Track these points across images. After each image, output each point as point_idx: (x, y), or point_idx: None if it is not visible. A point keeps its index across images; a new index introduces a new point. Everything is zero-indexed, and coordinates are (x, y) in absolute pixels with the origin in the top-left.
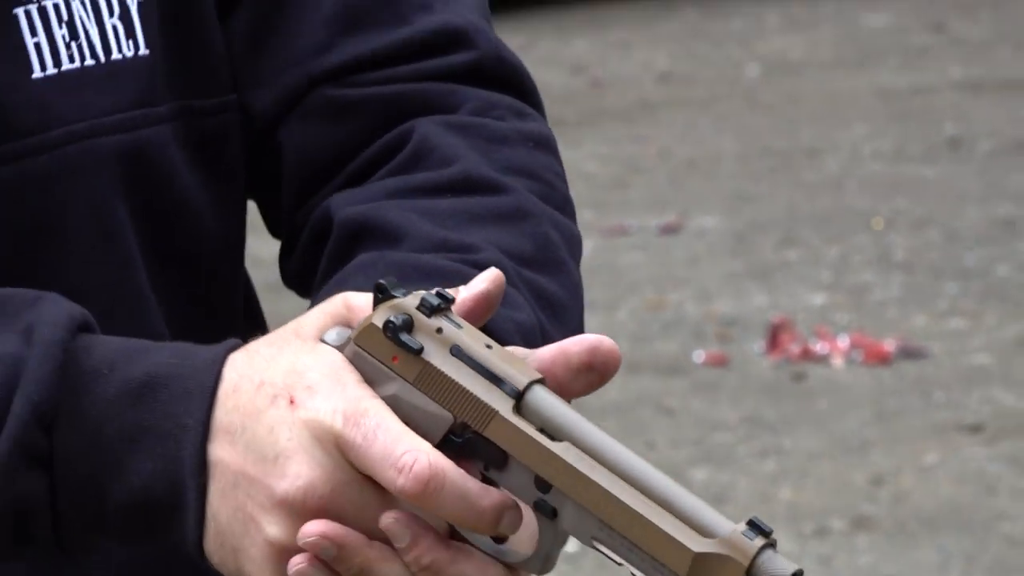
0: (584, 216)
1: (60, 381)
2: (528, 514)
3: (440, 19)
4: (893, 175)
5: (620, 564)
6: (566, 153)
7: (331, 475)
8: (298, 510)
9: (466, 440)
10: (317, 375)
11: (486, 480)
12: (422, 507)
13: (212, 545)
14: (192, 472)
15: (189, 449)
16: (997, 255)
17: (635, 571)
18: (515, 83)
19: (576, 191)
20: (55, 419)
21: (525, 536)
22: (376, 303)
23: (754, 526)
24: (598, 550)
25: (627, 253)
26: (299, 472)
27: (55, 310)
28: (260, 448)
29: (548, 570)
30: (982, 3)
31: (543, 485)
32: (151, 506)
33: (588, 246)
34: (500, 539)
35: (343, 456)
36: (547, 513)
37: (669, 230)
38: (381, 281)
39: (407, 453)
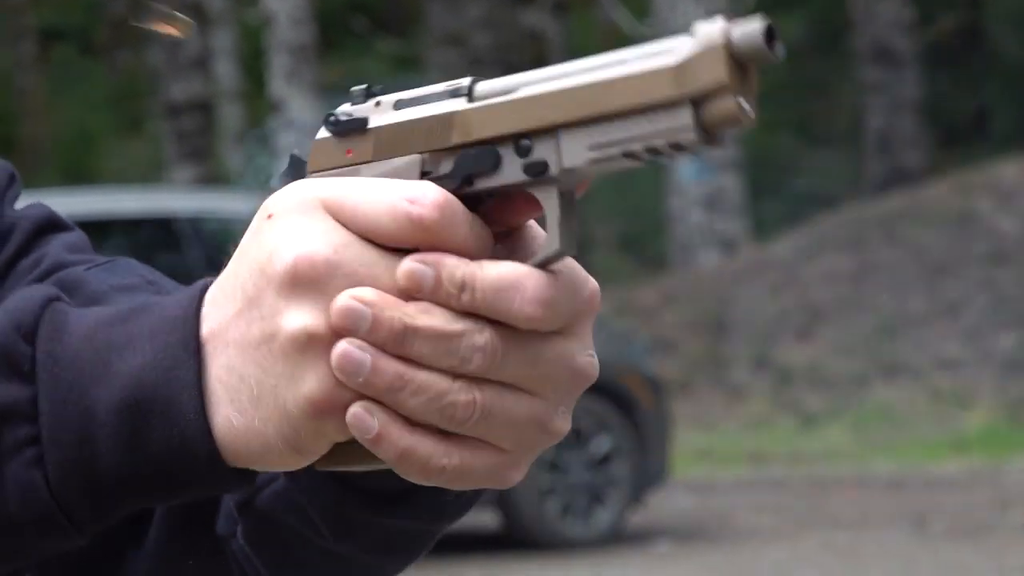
0: None
1: (45, 301)
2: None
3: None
4: None
5: (628, 158)
6: None
7: (328, 238)
8: (309, 282)
9: (442, 170)
10: (285, 189)
11: (469, 201)
12: (437, 239)
13: (238, 418)
14: (184, 350)
15: (178, 334)
16: None
17: (639, 146)
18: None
19: None
20: (37, 329)
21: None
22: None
23: (715, 14)
24: (602, 164)
25: None
26: (295, 246)
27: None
28: (255, 267)
29: (573, 248)
30: None
31: (523, 148)
32: (143, 400)
33: None
34: None
35: (335, 219)
36: (539, 170)
37: None
38: (328, 113)
39: (414, 186)
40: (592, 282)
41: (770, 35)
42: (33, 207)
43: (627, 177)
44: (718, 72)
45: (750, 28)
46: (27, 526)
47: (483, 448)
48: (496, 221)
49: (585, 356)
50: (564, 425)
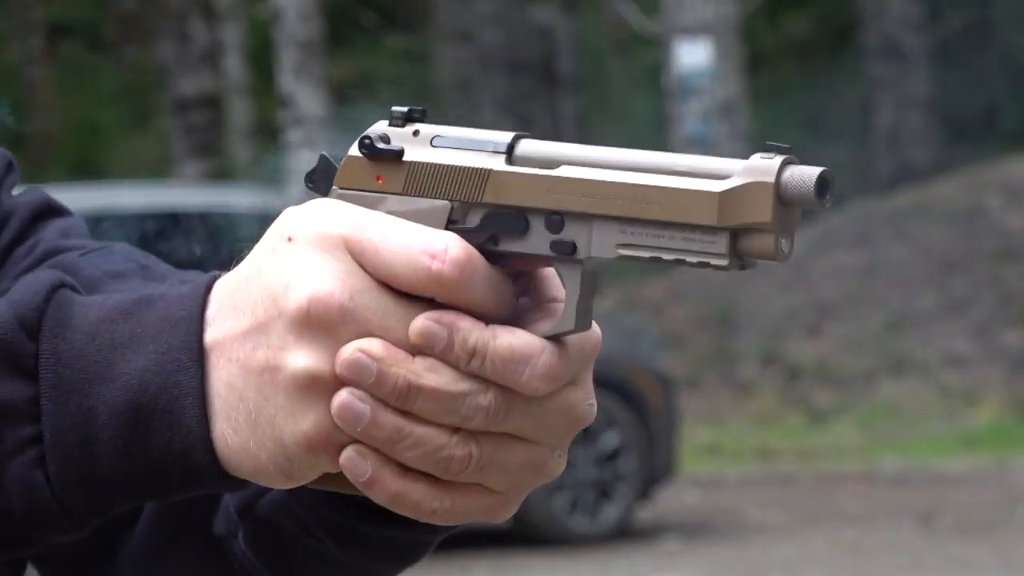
0: None
1: (49, 294)
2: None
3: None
4: None
5: (655, 260)
6: None
7: (346, 282)
8: (320, 325)
9: (468, 223)
10: (307, 211)
11: (493, 256)
12: (454, 296)
13: (232, 436)
14: (188, 355)
15: (181, 337)
16: None
17: (670, 256)
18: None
19: None
20: (41, 325)
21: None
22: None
23: (770, 147)
24: (629, 258)
25: None
26: (311, 284)
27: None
28: (268, 292)
29: (588, 325)
30: None
31: (554, 223)
32: (146, 403)
33: None
34: None
35: (356, 261)
36: (567, 251)
37: None
38: (364, 134)
39: (437, 239)
40: (595, 333)
41: (822, 185)
42: (30, 193)
43: None
44: (763, 211)
45: (804, 176)
46: (28, 522)
47: (476, 491)
48: (514, 270)
49: (585, 405)
50: (559, 467)
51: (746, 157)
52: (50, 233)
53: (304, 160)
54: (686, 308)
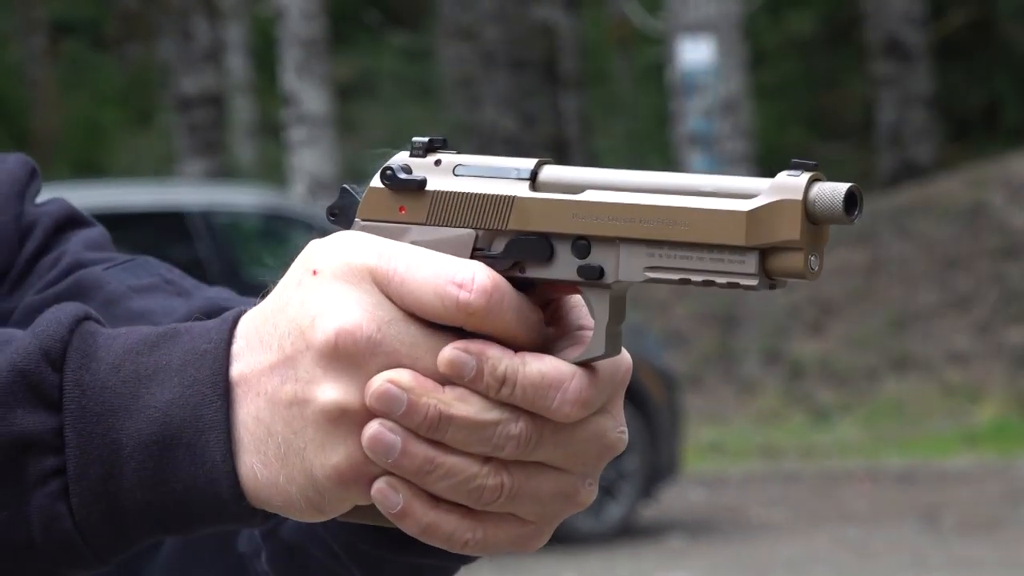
0: None
1: (74, 325)
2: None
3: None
4: None
5: (684, 282)
6: None
7: (373, 313)
8: (348, 357)
9: (494, 250)
10: (332, 243)
11: (519, 283)
12: (482, 325)
13: (262, 470)
14: (213, 389)
15: (207, 371)
16: None
17: (698, 278)
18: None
19: None
20: (65, 356)
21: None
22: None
23: (797, 165)
24: (658, 281)
25: None
26: (338, 317)
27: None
28: (295, 326)
29: (618, 350)
30: None
31: (581, 248)
32: (170, 437)
33: None
34: None
35: (382, 292)
36: (595, 276)
37: None
38: (386, 166)
39: (463, 268)
40: (626, 359)
41: (851, 201)
42: (53, 202)
43: (637, 166)
44: (791, 230)
45: (832, 193)
46: (50, 554)
47: (508, 521)
48: (541, 297)
49: (616, 433)
50: (590, 496)
51: (748, 155)
52: (74, 245)
53: (307, 158)
54: (689, 306)
